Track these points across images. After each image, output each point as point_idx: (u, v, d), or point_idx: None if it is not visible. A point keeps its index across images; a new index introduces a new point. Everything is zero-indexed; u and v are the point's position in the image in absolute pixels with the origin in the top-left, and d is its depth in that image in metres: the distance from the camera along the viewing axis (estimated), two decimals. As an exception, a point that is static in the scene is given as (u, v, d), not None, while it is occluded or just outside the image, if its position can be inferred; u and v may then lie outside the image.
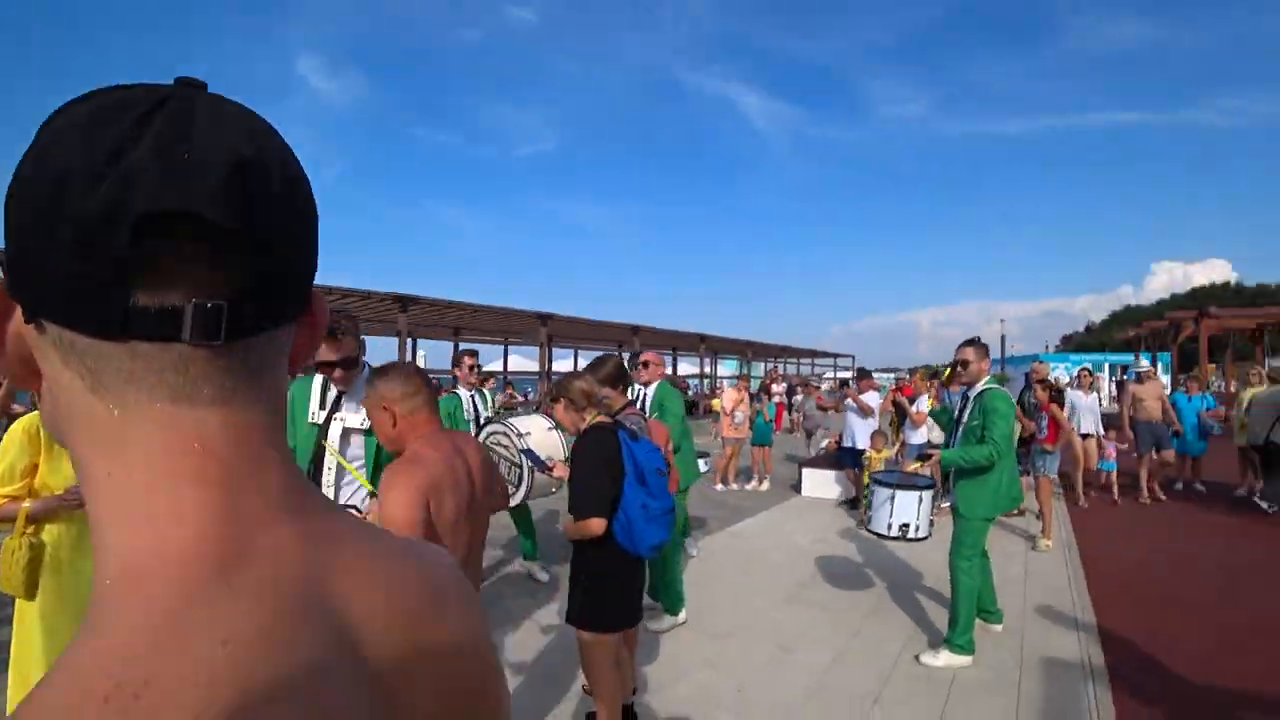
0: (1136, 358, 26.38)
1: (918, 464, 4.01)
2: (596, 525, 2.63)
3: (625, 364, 3.56)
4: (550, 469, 3.15)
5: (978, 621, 4.14)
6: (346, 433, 3.03)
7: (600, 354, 6.62)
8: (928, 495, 4.00)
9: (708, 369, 25.60)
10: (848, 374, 35.66)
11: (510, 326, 16.63)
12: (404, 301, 11.45)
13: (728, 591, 5.04)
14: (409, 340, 17.21)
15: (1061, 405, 7.25)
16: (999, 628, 4.20)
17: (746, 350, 23.91)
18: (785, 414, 12.92)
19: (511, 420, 4.11)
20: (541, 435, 4.01)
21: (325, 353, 2.84)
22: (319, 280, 0.47)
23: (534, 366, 21.04)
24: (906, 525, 3.97)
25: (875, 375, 9.42)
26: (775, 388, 10.66)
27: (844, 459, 8.48)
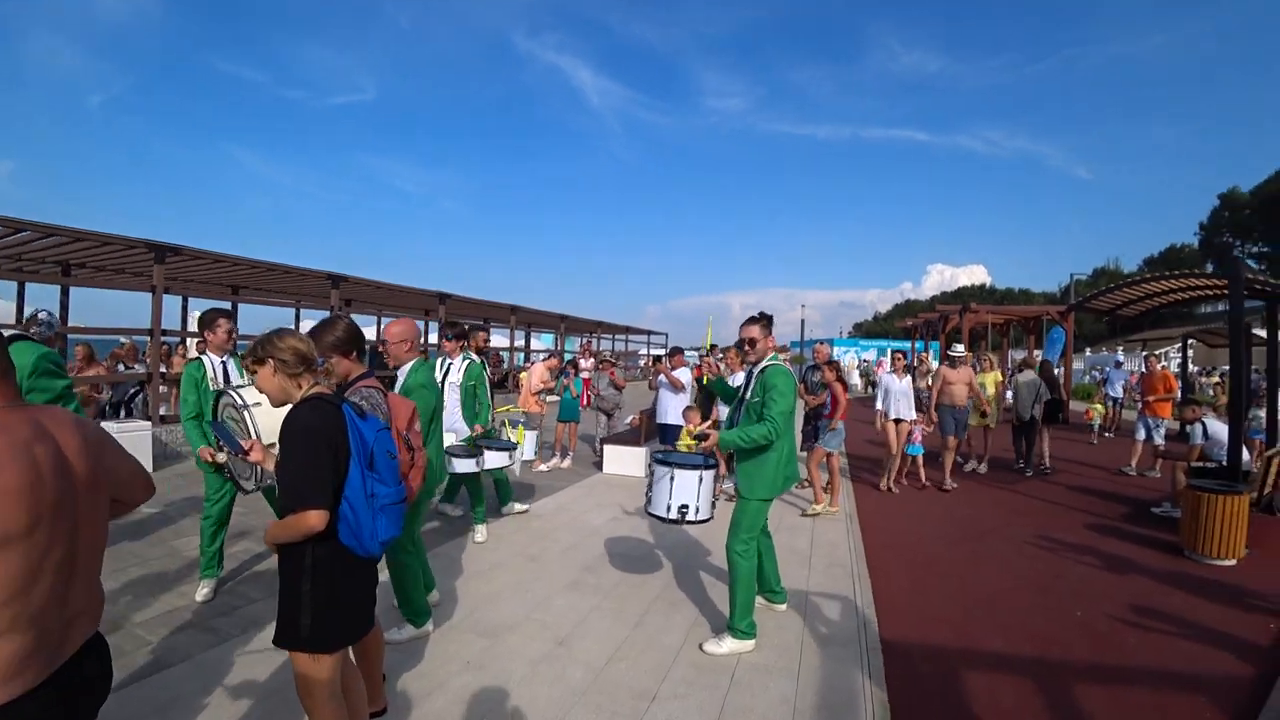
0: (912, 344, 29.64)
1: (691, 443, 3.77)
2: (316, 519, 2.03)
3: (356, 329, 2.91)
4: (246, 451, 2.45)
5: (762, 602, 4.06)
6: None
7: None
8: (709, 475, 3.77)
9: (520, 342, 24.92)
10: (661, 351, 36.84)
11: (302, 288, 14.85)
12: (160, 251, 9.59)
13: (509, 579, 4.60)
14: (181, 299, 14.85)
15: (845, 385, 7.67)
16: (782, 607, 4.13)
17: (560, 324, 23.49)
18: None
19: (239, 387, 3.28)
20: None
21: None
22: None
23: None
24: (685, 507, 3.71)
25: (686, 353, 9.42)
26: (584, 363, 10.32)
27: (663, 436, 8.49)
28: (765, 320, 3.80)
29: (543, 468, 9.03)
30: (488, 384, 5.92)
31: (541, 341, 29.98)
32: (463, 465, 5.19)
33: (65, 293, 11.58)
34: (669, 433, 8.17)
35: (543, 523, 6.18)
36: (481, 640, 3.67)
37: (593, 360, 10.73)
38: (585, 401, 10.00)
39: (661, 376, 8.14)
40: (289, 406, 2.23)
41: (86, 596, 1.52)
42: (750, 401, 3.68)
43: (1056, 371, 15.32)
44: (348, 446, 2.14)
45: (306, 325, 17.16)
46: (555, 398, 9.71)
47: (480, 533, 5.59)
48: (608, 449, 8.96)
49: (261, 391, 2.25)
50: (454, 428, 5.62)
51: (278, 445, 2.15)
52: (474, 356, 5.92)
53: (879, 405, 8.47)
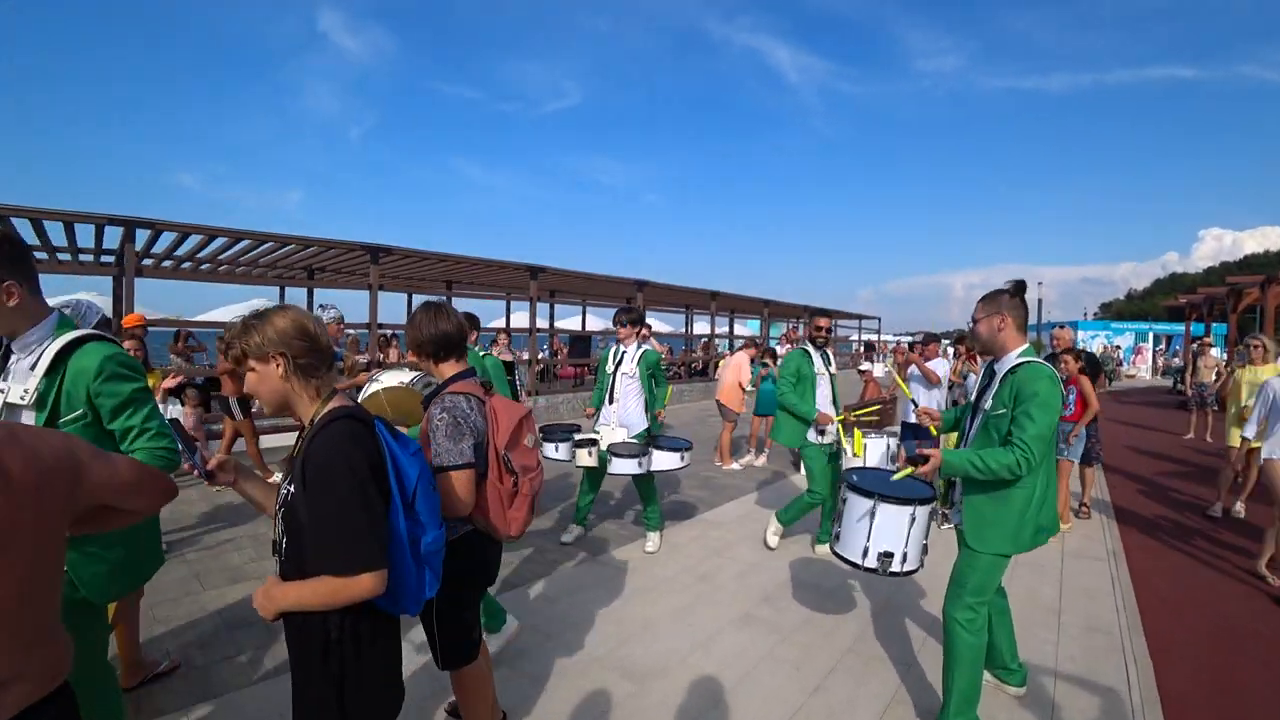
0: (1186, 328, 24.46)
1: (909, 469, 2.76)
2: (372, 584, 1.49)
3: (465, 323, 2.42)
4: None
5: (991, 681, 3.04)
6: (9, 409, 2.02)
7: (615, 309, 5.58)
8: (923, 512, 2.79)
9: (724, 329, 24.32)
10: (873, 337, 34.19)
11: (506, 281, 15.54)
12: (374, 252, 10.45)
13: (673, 603, 3.98)
14: (406, 296, 16.33)
15: (1095, 378, 6.13)
16: (1020, 690, 3.04)
17: (763, 309, 22.46)
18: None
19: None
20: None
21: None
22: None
23: (541, 324, 20.09)
24: (889, 555, 2.78)
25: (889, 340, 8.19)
26: (782, 350, 9.45)
27: (905, 440, 7.48)
28: (1005, 295, 2.71)
29: (735, 465, 8.34)
30: (662, 371, 5.38)
31: (748, 328, 29.21)
32: (623, 466, 4.65)
33: (310, 294, 13.16)
34: (915, 435, 7.11)
35: (722, 533, 5.50)
36: (625, 684, 3.08)
37: (790, 346, 9.81)
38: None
39: (913, 368, 6.99)
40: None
41: (13, 662, 1.16)
42: (991, 414, 2.64)
43: None
44: (388, 482, 1.60)
45: (519, 319, 18.07)
46: (752, 388, 8.95)
47: (652, 541, 5.06)
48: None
49: (253, 396, 1.68)
50: (626, 422, 5.15)
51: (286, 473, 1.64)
52: (650, 344, 5.41)
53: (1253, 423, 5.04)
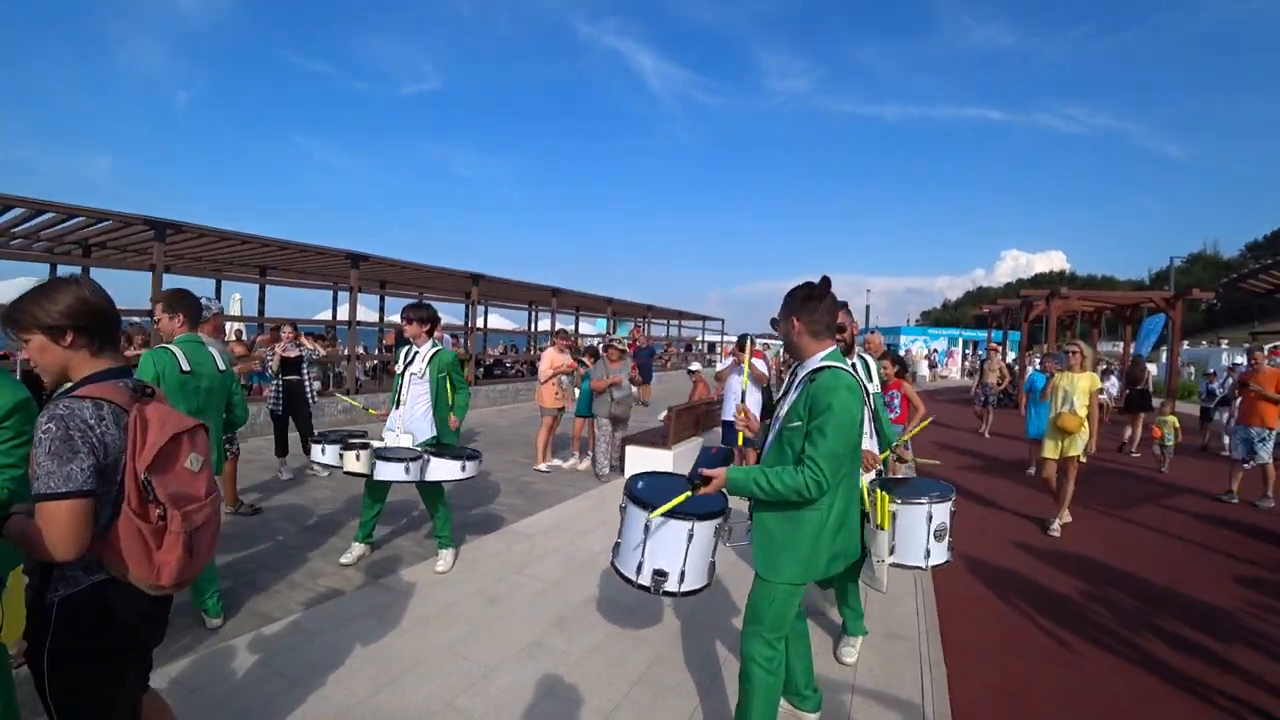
0: (988, 334, 27.32)
1: (685, 495, 2.42)
2: None
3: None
4: None
5: (786, 709, 2.83)
6: None
7: (416, 302, 4.87)
8: (703, 529, 2.47)
9: (568, 327, 23.97)
10: (717, 337, 35.34)
11: (327, 269, 14.15)
12: (159, 228, 8.98)
13: (450, 635, 3.47)
14: (215, 281, 14.42)
15: (913, 381, 6.38)
16: (814, 716, 2.82)
17: (607, 307, 22.33)
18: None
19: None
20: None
21: None
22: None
23: (370, 316, 18.62)
24: (663, 574, 2.46)
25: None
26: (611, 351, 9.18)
27: (726, 437, 7.50)
28: (796, 297, 2.44)
29: (541, 466, 7.99)
30: (461, 373, 4.85)
31: (595, 327, 29.06)
32: (387, 471, 4.03)
33: (85, 272, 11.20)
34: (733, 434, 7.07)
35: (530, 546, 5.07)
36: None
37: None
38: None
39: (740, 365, 6.84)
40: None
41: None
42: (786, 426, 2.35)
43: (1151, 370, 13.35)
44: None
45: (344, 312, 16.60)
46: (567, 387, 8.63)
47: (444, 559, 4.52)
48: (631, 450, 7.73)
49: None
50: (411, 427, 4.58)
51: None
52: (441, 343, 4.85)
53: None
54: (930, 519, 3.04)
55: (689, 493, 2.36)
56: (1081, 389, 6.01)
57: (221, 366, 3.68)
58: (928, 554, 3.03)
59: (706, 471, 2.32)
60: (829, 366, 2.29)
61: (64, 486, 1.53)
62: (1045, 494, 6.70)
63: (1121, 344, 21.67)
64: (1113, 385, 13.28)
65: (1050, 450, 6.20)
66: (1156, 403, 11.86)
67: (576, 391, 8.42)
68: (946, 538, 3.10)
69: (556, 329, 9.64)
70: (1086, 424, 5.95)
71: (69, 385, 1.72)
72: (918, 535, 3.05)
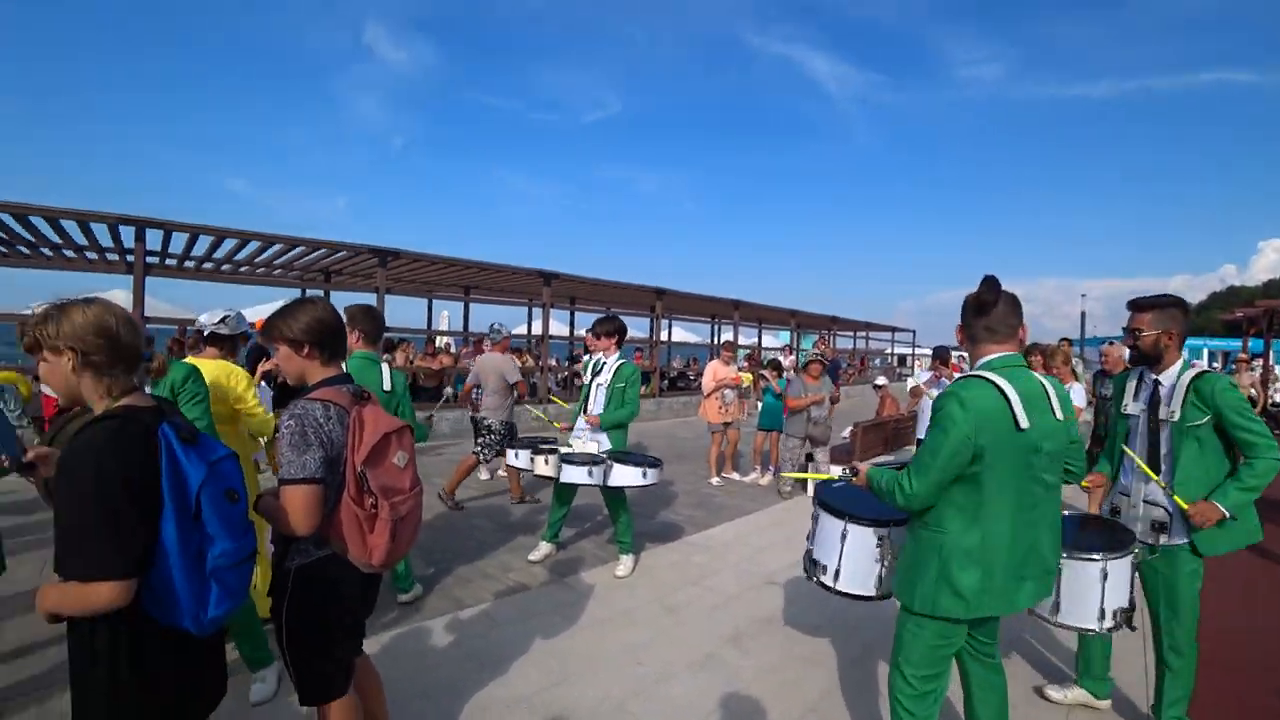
0: (1245, 342, 23.11)
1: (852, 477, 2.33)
2: (110, 593, 1.36)
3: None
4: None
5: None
6: None
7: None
8: (859, 533, 2.40)
9: (752, 339, 23.79)
10: (907, 350, 33.19)
11: (521, 286, 15.30)
12: (382, 255, 10.34)
13: (627, 638, 3.56)
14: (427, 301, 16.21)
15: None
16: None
17: (790, 319, 21.88)
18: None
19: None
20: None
21: None
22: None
23: (563, 330, 19.84)
24: (821, 565, 2.46)
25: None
26: (786, 361, 8.98)
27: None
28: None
29: (714, 480, 7.92)
30: (639, 387, 5.00)
31: (779, 340, 28.62)
32: (572, 474, 4.28)
33: (327, 296, 13.10)
34: None
35: (708, 558, 5.07)
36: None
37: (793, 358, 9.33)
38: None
39: (942, 379, 6.41)
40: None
41: None
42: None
43: None
44: (160, 487, 1.40)
45: (539, 326, 17.85)
46: (740, 397, 8.50)
47: (624, 565, 4.66)
48: (822, 464, 7.46)
49: (46, 383, 1.55)
50: (597, 435, 4.80)
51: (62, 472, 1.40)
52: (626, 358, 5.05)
53: None
54: (1105, 577, 2.38)
55: (833, 477, 2.46)
56: None
57: (388, 386, 3.79)
58: (1102, 615, 2.37)
59: (858, 464, 2.25)
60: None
61: (300, 474, 1.79)
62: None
63: None
64: None
65: None
66: None
67: (750, 404, 8.32)
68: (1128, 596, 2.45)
69: (721, 341, 9.55)
70: None
71: (305, 388, 2.02)
72: (1090, 595, 2.42)
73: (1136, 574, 2.46)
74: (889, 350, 33.27)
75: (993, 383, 1.98)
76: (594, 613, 3.94)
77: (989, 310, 2.09)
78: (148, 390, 1.75)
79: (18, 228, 8.44)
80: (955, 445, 1.94)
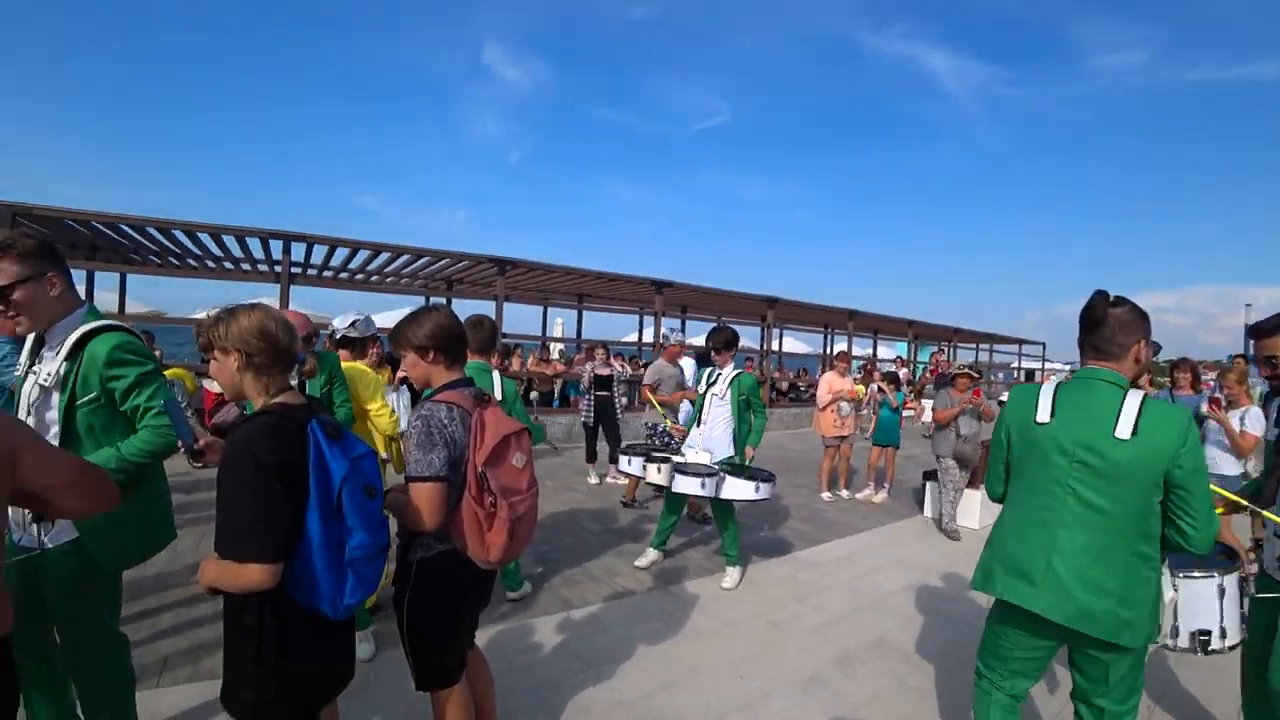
0: None
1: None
2: (259, 575, 1.53)
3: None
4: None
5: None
6: (44, 392, 2.11)
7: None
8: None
9: (865, 350, 22.96)
10: (1036, 364, 30.75)
11: (634, 295, 15.52)
12: (501, 264, 10.85)
13: (729, 651, 3.52)
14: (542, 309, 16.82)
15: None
16: None
17: (908, 330, 20.93)
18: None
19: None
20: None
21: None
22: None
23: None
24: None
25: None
26: (903, 373, 8.60)
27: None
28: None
29: (825, 495, 7.68)
30: (760, 398, 4.97)
31: (894, 351, 27.46)
32: (684, 484, 4.27)
33: (449, 304, 13.88)
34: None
35: (816, 575, 4.95)
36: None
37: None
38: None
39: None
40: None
41: None
42: None
43: None
44: (305, 481, 1.56)
45: (649, 335, 18.08)
46: (855, 411, 8.20)
47: (730, 576, 4.62)
48: (932, 484, 7.04)
49: (215, 379, 1.75)
50: (710, 446, 4.80)
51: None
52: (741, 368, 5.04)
53: None
54: (1223, 593, 2.21)
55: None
56: None
57: (499, 395, 3.80)
58: (1224, 633, 2.18)
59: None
60: None
61: (426, 471, 1.91)
62: None
63: None
64: None
65: None
66: None
67: (864, 417, 8.02)
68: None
69: (837, 351, 9.26)
70: None
71: (429, 391, 2.16)
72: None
73: (1238, 604, 2.19)
74: (1015, 364, 31.13)
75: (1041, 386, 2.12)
76: (698, 622, 3.94)
77: (1095, 327, 2.01)
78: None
79: (188, 243, 9.55)
80: (996, 436, 2.24)
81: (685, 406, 6.74)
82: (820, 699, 3.14)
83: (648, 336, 17.38)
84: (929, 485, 7.09)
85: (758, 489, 4.30)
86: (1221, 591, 2.15)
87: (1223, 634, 2.14)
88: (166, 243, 9.78)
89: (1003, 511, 2.20)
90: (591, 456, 7.93)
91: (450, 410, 2.00)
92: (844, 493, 7.89)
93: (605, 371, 7.79)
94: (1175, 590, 2.09)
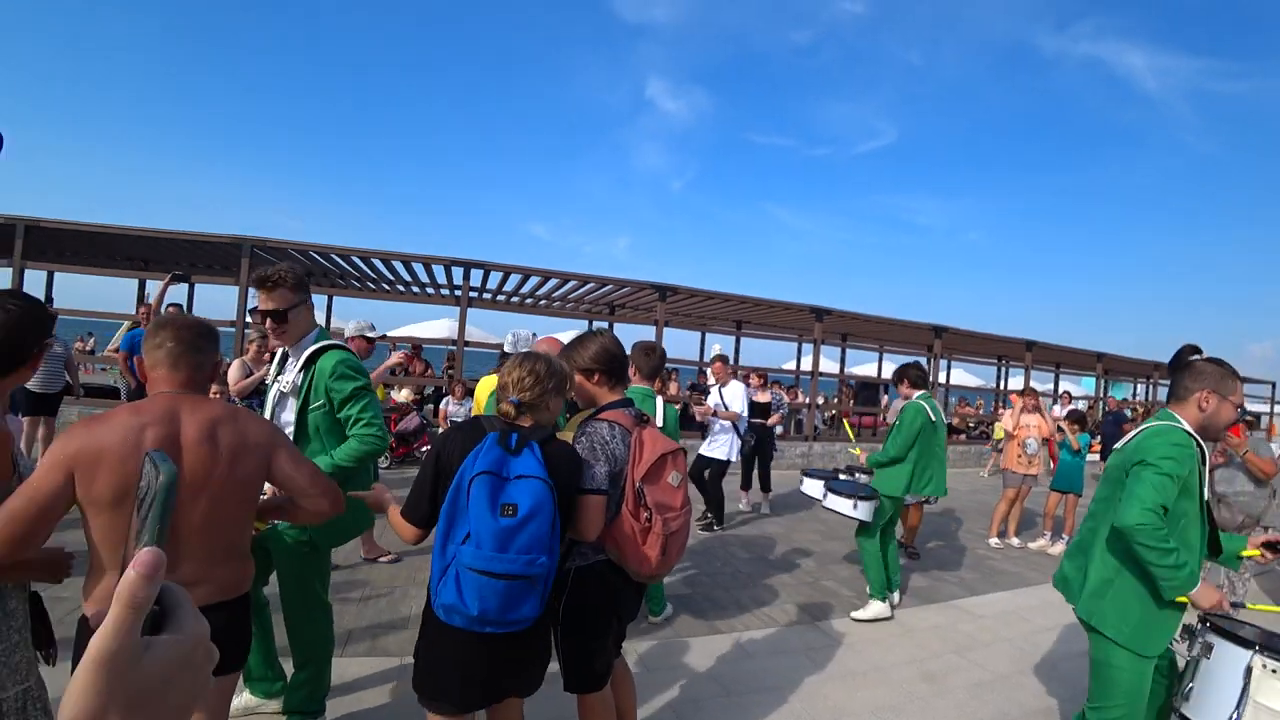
0: None
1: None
2: (400, 526, 1.96)
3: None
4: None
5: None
6: (282, 396, 2.54)
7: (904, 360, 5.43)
8: None
9: (1047, 386, 20.92)
10: (1264, 407, 26.21)
11: (787, 322, 15.31)
12: (662, 291, 11.19)
13: (879, 698, 3.39)
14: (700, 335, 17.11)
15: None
16: None
17: (1096, 364, 18.73)
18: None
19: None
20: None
21: (261, 301, 2.54)
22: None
23: (832, 368, 19.43)
24: None
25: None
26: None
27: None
28: None
29: (994, 541, 7.10)
30: (906, 430, 4.81)
31: (1082, 387, 24.84)
32: (835, 503, 4.28)
33: (611, 328, 14.45)
34: None
35: (977, 628, 4.62)
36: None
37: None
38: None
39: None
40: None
41: (200, 569, 1.68)
42: None
43: None
44: (451, 474, 1.83)
45: (808, 362, 17.74)
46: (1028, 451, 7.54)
47: (866, 609, 4.47)
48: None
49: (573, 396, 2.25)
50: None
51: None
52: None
53: None
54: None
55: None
56: None
57: (660, 422, 4.04)
58: None
59: None
60: None
61: (591, 484, 2.06)
62: None
63: None
64: None
65: None
66: None
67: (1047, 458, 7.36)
68: None
69: (1019, 388, 8.64)
70: None
71: (593, 410, 2.31)
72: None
73: None
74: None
75: None
76: (845, 662, 3.83)
77: (1171, 376, 2.45)
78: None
79: (384, 269, 10.82)
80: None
81: (718, 425, 6.88)
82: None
83: (805, 364, 17.05)
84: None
85: (856, 506, 4.31)
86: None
87: None
88: (365, 269, 11.11)
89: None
90: (745, 483, 7.90)
91: (612, 428, 2.14)
92: (1014, 540, 7.27)
93: (764, 398, 7.76)
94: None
